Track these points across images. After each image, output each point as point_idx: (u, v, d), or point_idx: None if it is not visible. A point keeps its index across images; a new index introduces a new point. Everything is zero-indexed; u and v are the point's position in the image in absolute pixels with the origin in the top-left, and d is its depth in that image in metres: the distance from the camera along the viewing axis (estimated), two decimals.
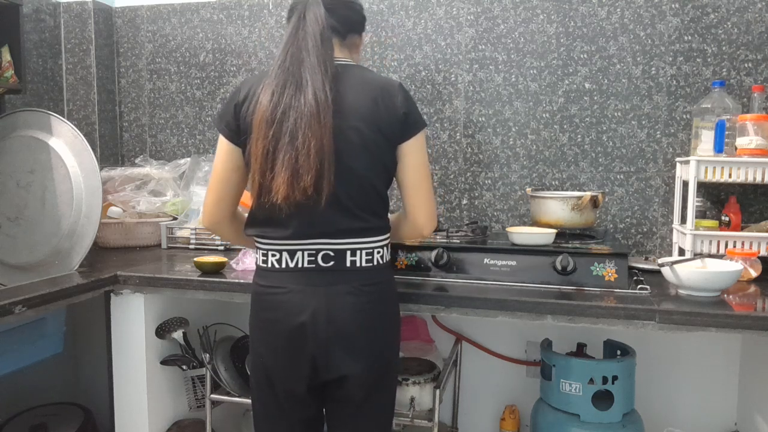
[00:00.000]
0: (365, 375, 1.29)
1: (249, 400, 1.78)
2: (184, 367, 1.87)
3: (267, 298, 1.29)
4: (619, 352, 1.82)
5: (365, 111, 1.23)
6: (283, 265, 1.27)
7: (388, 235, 1.34)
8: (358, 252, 1.28)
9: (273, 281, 1.28)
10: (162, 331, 1.79)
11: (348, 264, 1.27)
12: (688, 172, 1.75)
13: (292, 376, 1.29)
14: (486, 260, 1.66)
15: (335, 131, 1.20)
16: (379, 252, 1.30)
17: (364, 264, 1.28)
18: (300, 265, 1.27)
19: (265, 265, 1.30)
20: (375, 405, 1.35)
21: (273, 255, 1.28)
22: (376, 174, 1.27)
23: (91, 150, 1.83)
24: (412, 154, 1.29)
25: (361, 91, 1.25)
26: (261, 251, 1.31)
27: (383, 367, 1.33)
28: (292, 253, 1.27)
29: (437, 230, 1.91)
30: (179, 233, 2.19)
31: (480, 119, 2.16)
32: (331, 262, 1.26)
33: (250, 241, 1.38)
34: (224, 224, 1.39)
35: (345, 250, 1.27)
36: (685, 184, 1.80)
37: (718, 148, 1.75)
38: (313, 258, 1.26)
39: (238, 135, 1.28)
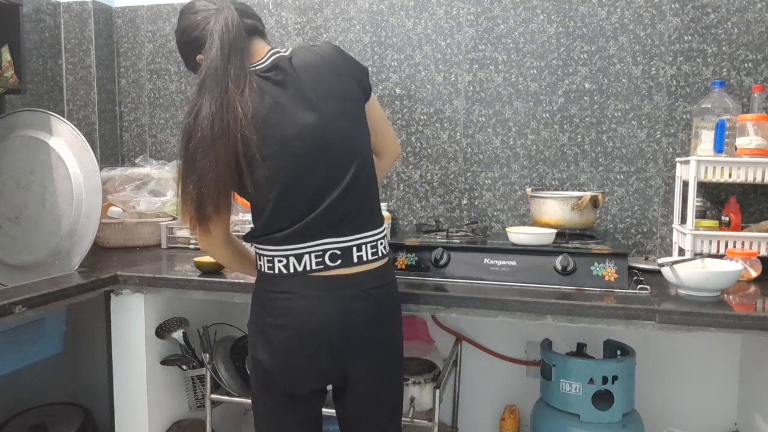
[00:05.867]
0: (374, 376, 1.30)
1: (249, 400, 1.79)
2: (184, 367, 1.87)
3: (276, 303, 1.25)
4: (619, 352, 1.82)
5: None
6: (291, 270, 1.24)
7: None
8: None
9: (281, 287, 1.25)
10: (162, 331, 1.79)
11: (355, 260, 1.25)
12: (688, 172, 1.75)
13: (295, 379, 1.28)
14: (486, 260, 1.66)
15: None
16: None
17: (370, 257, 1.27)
18: (308, 268, 1.24)
19: (270, 272, 1.26)
20: (384, 404, 1.36)
21: (279, 261, 1.25)
22: None
23: (91, 150, 1.83)
24: None
25: None
26: (266, 258, 1.27)
27: (391, 368, 1.35)
28: (299, 257, 1.24)
29: (438, 230, 1.92)
30: (179, 233, 2.19)
31: (480, 119, 2.16)
32: (339, 261, 1.24)
33: (250, 268, 1.39)
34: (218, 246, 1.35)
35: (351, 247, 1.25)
36: (685, 184, 1.80)
37: (718, 148, 1.75)
38: (320, 259, 1.24)
39: None
